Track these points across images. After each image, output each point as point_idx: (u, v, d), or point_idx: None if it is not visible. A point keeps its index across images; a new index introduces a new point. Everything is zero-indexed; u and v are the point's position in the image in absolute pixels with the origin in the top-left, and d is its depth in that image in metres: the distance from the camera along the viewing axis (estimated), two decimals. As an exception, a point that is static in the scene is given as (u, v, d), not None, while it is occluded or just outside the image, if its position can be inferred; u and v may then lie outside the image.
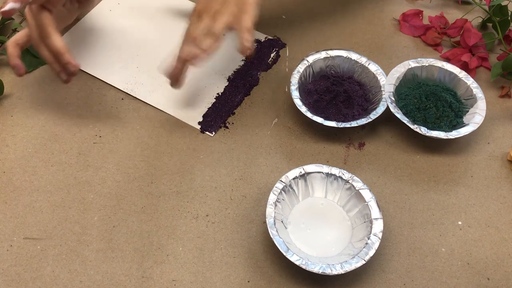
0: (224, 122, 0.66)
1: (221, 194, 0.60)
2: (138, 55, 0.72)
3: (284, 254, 0.52)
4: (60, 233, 0.56)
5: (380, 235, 0.53)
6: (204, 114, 0.66)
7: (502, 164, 0.64)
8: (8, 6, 0.54)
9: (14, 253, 0.55)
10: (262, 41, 0.76)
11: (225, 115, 0.67)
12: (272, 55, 0.74)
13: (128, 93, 0.68)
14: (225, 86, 0.69)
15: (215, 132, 0.65)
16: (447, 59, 0.74)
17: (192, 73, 0.71)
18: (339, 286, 0.53)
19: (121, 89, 0.68)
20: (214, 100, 0.68)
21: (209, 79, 0.70)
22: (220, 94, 0.69)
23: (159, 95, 0.68)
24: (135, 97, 0.68)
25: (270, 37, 0.76)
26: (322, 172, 0.59)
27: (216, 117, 0.66)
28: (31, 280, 0.53)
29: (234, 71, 0.71)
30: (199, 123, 0.66)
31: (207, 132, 0.65)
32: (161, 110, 0.67)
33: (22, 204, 0.58)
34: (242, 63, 0.72)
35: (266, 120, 0.67)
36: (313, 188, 0.59)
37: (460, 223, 0.59)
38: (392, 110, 0.63)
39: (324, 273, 0.51)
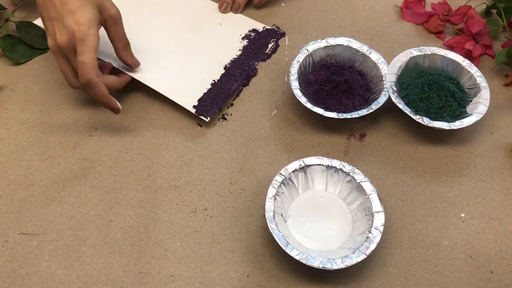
0: (220, 108, 0.65)
1: (219, 187, 0.59)
2: (133, 36, 0.69)
3: (284, 248, 0.51)
4: (56, 228, 0.55)
5: (381, 228, 0.53)
6: (199, 99, 0.65)
7: (506, 154, 0.62)
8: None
9: (10, 248, 0.54)
10: (260, 31, 0.74)
11: (220, 102, 0.65)
12: (270, 45, 0.72)
13: (122, 70, 0.65)
14: (222, 74, 0.68)
15: (210, 117, 0.63)
16: (450, 47, 0.72)
17: (187, 59, 0.69)
18: (340, 280, 0.53)
19: (115, 65, 0.65)
20: (210, 86, 0.66)
21: (205, 65, 0.69)
22: (216, 81, 0.67)
23: (154, 76, 0.66)
24: (131, 76, 0.65)
25: (268, 27, 0.74)
26: (322, 165, 0.57)
27: (212, 103, 0.64)
28: (27, 276, 0.52)
29: (231, 60, 0.70)
30: (194, 106, 0.64)
31: (202, 117, 0.63)
32: (157, 103, 0.66)
33: (17, 199, 0.57)
34: (239, 52, 0.71)
35: (265, 111, 0.66)
36: (313, 181, 0.58)
37: (463, 215, 0.58)
38: (393, 100, 0.62)
39: (325, 267, 0.50)
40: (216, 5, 0.77)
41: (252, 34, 0.73)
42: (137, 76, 0.65)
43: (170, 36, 0.72)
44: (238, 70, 0.69)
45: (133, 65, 0.64)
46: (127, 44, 0.63)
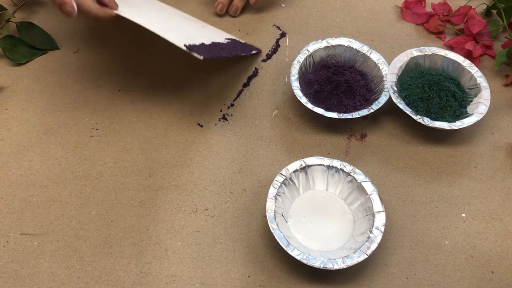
0: (214, 57, 0.58)
1: (220, 187, 0.59)
2: None
3: (285, 248, 0.51)
4: (57, 228, 0.55)
5: (382, 228, 0.53)
6: (191, 44, 0.57)
7: (507, 154, 0.62)
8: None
9: (11, 249, 0.54)
10: (241, 41, 0.72)
11: (214, 52, 0.60)
12: (251, 53, 0.70)
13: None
14: (213, 41, 0.64)
15: (204, 57, 0.56)
16: (451, 48, 0.72)
17: (177, 22, 0.66)
18: (341, 280, 0.53)
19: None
20: (203, 41, 0.61)
21: (196, 31, 0.65)
22: (212, 42, 0.63)
23: (141, 18, 0.59)
24: (116, 13, 0.59)
25: (248, 44, 0.72)
26: (323, 165, 0.57)
27: (206, 48, 0.59)
28: (28, 276, 0.52)
29: (219, 41, 0.66)
30: (185, 45, 0.56)
31: (195, 53, 0.55)
32: (158, 103, 0.66)
33: (18, 199, 0.57)
34: (226, 41, 0.67)
35: (266, 112, 0.66)
36: (314, 181, 0.58)
37: (463, 215, 0.58)
38: (394, 100, 0.62)
39: (326, 267, 0.50)
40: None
41: (236, 39, 0.71)
42: (123, 12, 0.59)
43: (160, 11, 0.68)
44: (226, 49, 0.64)
45: (108, 3, 0.57)
46: None
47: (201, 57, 0.56)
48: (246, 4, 0.78)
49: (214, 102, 0.67)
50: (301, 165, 0.57)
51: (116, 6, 0.59)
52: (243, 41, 0.73)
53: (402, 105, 0.62)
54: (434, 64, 0.67)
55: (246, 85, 0.69)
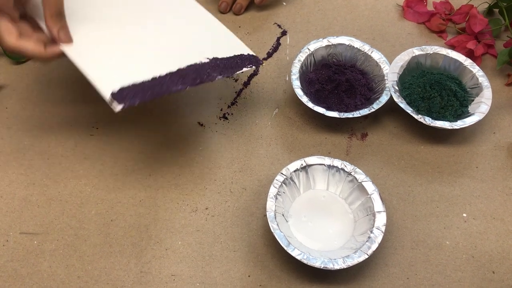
0: (145, 100, 0.49)
1: (220, 186, 0.59)
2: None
3: (285, 248, 0.51)
4: (57, 227, 0.55)
5: (383, 228, 0.52)
6: (124, 87, 0.49)
7: (508, 154, 0.62)
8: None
9: (11, 248, 0.54)
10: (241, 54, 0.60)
11: (149, 96, 0.50)
12: (245, 69, 0.58)
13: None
14: (169, 73, 0.52)
15: (123, 107, 0.48)
16: (452, 47, 0.72)
17: (137, 39, 0.56)
18: (341, 280, 0.53)
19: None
20: (147, 79, 0.51)
21: (153, 55, 0.54)
22: (157, 77, 0.51)
23: (85, 49, 0.53)
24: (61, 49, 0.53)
25: (252, 53, 0.60)
26: (323, 164, 0.57)
27: (135, 94, 0.49)
28: (28, 275, 0.52)
29: (188, 65, 0.54)
30: (111, 93, 0.48)
31: (113, 104, 0.48)
32: (158, 102, 0.66)
33: (18, 198, 0.57)
34: (206, 60, 0.55)
35: (266, 111, 0.66)
36: (315, 181, 0.58)
37: (464, 215, 0.57)
38: (395, 99, 0.62)
39: (326, 267, 0.50)
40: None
41: (244, 51, 0.60)
42: (66, 48, 0.52)
43: (127, 15, 0.58)
44: (193, 74, 0.53)
45: (58, 39, 0.52)
46: (58, 14, 0.51)
47: (116, 110, 0.48)
48: (250, 3, 0.77)
49: (214, 101, 0.67)
50: (302, 164, 0.57)
51: (68, 40, 0.53)
52: (250, 53, 0.60)
53: (403, 105, 0.61)
54: (436, 63, 0.67)
55: (246, 84, 0.68)
